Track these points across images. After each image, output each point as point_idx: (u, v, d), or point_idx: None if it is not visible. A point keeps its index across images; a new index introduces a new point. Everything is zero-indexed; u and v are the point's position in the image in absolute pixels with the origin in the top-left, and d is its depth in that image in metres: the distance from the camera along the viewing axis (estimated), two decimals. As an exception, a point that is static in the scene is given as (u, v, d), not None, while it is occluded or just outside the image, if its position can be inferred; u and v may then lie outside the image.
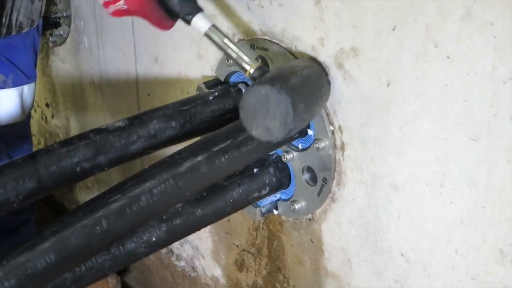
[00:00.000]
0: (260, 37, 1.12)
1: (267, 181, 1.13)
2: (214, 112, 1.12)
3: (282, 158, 1.12)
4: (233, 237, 1.40)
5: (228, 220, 1.38)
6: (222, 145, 0.96)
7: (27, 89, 1.43)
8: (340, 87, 1.00)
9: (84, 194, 2.10)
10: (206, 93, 1.15)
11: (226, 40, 0.99)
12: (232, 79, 1.21)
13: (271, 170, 1.14)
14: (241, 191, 1.09)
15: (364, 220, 1.04)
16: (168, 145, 1.08)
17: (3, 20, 1.30)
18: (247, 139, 0.99)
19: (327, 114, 1.03)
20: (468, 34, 0.80)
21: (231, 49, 0.99)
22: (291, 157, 1.11)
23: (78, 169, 0.96)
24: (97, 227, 0.83)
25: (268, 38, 1.10)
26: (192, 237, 1.53)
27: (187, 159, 0.92)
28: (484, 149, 0.83)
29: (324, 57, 1.01)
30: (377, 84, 0.94)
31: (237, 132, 0.99)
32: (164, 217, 1.02)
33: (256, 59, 1.12)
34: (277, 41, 1.08)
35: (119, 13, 1.00)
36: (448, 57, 0.83)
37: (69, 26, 1.85)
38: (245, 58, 0.98)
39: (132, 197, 0.86)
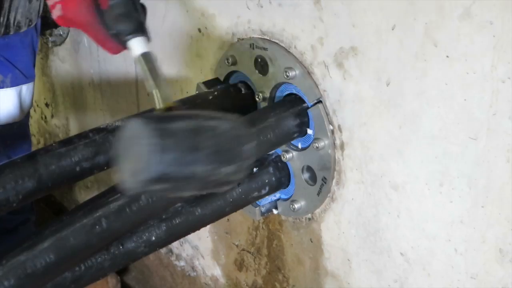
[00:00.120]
0: (260, 36, 1.12)
1: (266, 181, 1.13)
2: (214, 112, 1.12)
3: (282, 157, 1.12)
4: (232, 236, 1.40)
5: (228, 219, 1.38)
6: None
7: (25, 88, 1.43)
8: (339, 86, 1.00)
9: (84, 193, 2.10)
10: (206, 93, 1.15)
11: (151, 74, 0.83)
12: (232, 78, 1.21)
13: (271, 169, 1.14)
14: (240, 190, 1.09)
15: (363, 220, 1.04)
16: (167, 145, 1.08)
17: (1, 19, 1.30)
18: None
19: (327, 114, 1.03)
20: (468, 34, 0.80)
21: (151, 83, 0.83)
22: (290, 157, 1.11)
23: (77, 168, 0.96)
24: (97, 227, 0.83)
25: (268, 38, 1.10)
26: (191, 237, 1.53)
27: (187, 159, 0.92)
28: (484, 148, 0.83)
29: (324, 56, 1.01)
30: (377, 83, 0.94)
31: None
32: (163, 217, 1.02)
33: (256, 60, 1.12)
34: (277, 41, 1.08)
35: (60, 21, 0.92)
36: (447, 57, 0.83)
37: (68, 26, 1.85)
38: (159, 98, 0.82)
39: (131, 196, 0.86)
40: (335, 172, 1.06)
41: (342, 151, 1.04)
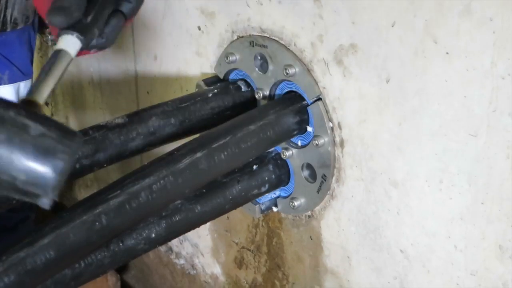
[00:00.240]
0: (259, 34, 1.12)
1: (266, 178, 1.13)
2: (213, 110, 1.13)
3: (282, 155, 1.12)
4: (232, 234, 1.40)
5: (228, 217, 1.38)
6: (222, 142, 0.96)
7: (23, 85, 1.43)
8: (339, 83, 1.00)
9: (84, 192, 2.10)
10: (205, 91, 1.15)
11: (51, 71, 0.75)
12: (232, 76, 1.21)
13: (271, 167, 1.14)
14: (240, 188, 1.09)
15: (363, 217, 1.04)
16: (167, 142, 1.08)
17: None
18: (247, 136, 0.99)
19: (327, 111, 1.03)
20: (467, 30, 0.80)
21: (41, 78, 0.74)
22: (290, 154, 1.11)
23: (77, 165, 0.96)
24: (97, 223, 0.83)
25: (267, 35, 1.10)
26: (191, 235, 1.53)
27: (186, 156, 0.92)
28: (483, 145, 0.83)
29: (323, 53, 1.01)
30: (376, 80, 0.94)
31: (237, 129, 0.99)
32: (163, 214, 1.02)
33: (255, 58, 1.12)
34: (276, 38, 1.08)
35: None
36: (447, 53, 0.83)
37: (68, 24, 1.84)
38: (42, 93, 0.72)
39: (131, 193, 0.86)
40: (335, 170, 1.06)
41: (342, 149, 1.04)
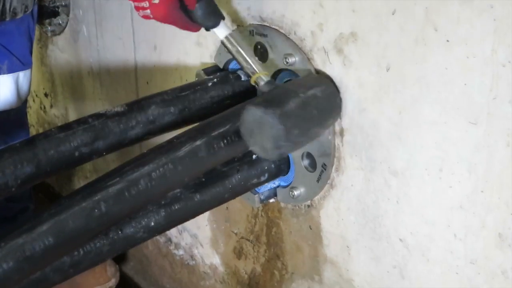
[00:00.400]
0: (259, 23, 1.11)
1: (266, 167, 1.12)
2: (213, 99, 1.12)
3: (281, 144, 1.12)
4: (231, 224, 1.40)
5: (227, 207, 1.38)
6: (221, 130, 0.96)
7: (22, 75, 1.43)
8: (339, 72, 1.00)
9: (83, 183, 2.09)
10: (205, 80, 1.15)
11: (239, 49, 1.03)
12: (231, 65, 1.21)
13: (270, 156, 1.13)
14: (240, 177, 1.09)
15: (363, 206, 1.04)
16: (166, 131, 1.08)
17: None
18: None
19: (326, 100, 1.03)
20: (468, 18, 0.80)
21: (243, 58, 1.03)
22: (290, 144, 1.11)
23: (76, 154, 0.96)
24: (96, 210, 0.83)
25: (267, 24, 1.10)
26: (190, 225, 1.53)
27: (186, 144, 0.92)
28: (484, 133, 0.83)
29: (323, 42, 1.00)
30: (377, 69, 0.94)
31: (236, 118, 0.98)
32: (162, 202, 1.02)
33: (255, 47, 1.12)
34: (276, 27, 1.08)
35: (147, 18, 1.03)
36: (447, 41, 0.83)
37: (67, 15, 1.84)
38: (257, 68, 1.03)
39: (130, 180, 0.86)
40: (335, 159, 1.06)
41: (341, 137, 1.03)
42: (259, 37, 1.11)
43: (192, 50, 1.33)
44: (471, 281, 0.91)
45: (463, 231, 0.90)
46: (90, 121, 0.99)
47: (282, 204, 1.22)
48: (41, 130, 2.27)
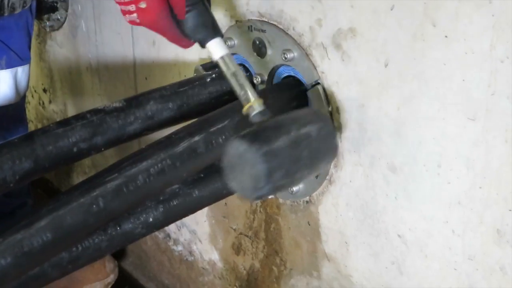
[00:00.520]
0: (258, 18, 1.11)
1: (264, 163, 1.12)
2: (211, 94, 1.12)
3: (280, 140, 1.12)
4: (230, 220, 1.40)
5: (225, 203, 1.38)
6: (219, 126, 0.96)
7: (21, 70, 1.42)
8: (338, 68, 1.00)
9: (82, 179, 2.09)
10: (204, 75, 1.15)
11: (234, 73, 0.91)
12: (230, 61, 1.21)
13: (269, 152, 1.13)
14: (238, 173, 1.09)
15: (361, 202, 1.04)
16: (165, 127, 1.08)
17: None
18: (245, 120, 0.98)
19: (325, 96, 1.03)
20: (466, 13, 0.80)
21: (239, 83, 0.90)
22: (288, 139, 1.11)
23: (75, 149, 0.96)
24: (94, 206, 0.83)
25: (266, 20, 1.10)
26: (189, 221, 1.53)
27: (184, 139, 0.92)
28: (482, 129, 0.83)
29: (322, 38, 1.00)
30: (375, 64, 0.94)
31: (235, 113, 0.98)
32: (161, 198, 1.02)
33: (254, 43, 1.11)
34: (275, 23, 1.08)
35: (134, 23, 0.95)
36: (446, 36, 0.83)
37: (66, 10, 1.84)
38: (252, 95, 0.89)
39: (129, 176, 0.86)
40: (333, 155, 1.06)
41: (340, 133, 1.03)
42: (257, 33, 1.11)
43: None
44: (469, 277, 0.91)
45: (461, 227, 0.90)
46: (88, 117, 0.99)
47: (281, 200, 1.22)
48: (39, 126, 2.27)
